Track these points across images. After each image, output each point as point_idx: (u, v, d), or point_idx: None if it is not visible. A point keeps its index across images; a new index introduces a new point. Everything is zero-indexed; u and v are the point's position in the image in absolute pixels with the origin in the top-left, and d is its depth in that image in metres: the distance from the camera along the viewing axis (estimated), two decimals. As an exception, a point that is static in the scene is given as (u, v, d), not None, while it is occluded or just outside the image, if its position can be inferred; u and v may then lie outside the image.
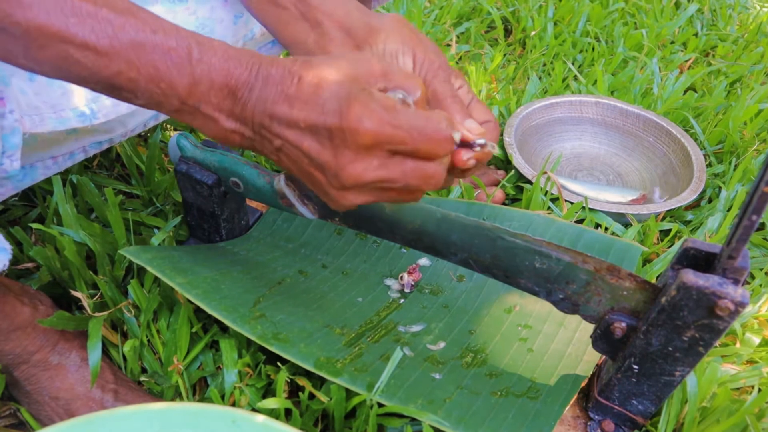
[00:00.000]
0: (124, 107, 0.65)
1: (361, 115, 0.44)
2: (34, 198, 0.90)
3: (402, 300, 0.76)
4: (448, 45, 1.39)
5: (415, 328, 0.71)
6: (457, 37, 1.44)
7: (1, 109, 0.57)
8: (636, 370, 0.59)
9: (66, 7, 0.42)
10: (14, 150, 0.59)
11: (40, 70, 0.45)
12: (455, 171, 0.53)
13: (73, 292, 0.71)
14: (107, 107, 0.63)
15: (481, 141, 0.50)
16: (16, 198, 0.90)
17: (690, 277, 0.52)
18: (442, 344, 0.70)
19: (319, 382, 0.68)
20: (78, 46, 0.43)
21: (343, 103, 0.45)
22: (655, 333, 0.56)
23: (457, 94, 0.58)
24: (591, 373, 0.67)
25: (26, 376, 0.67)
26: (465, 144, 0.50)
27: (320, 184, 0.49)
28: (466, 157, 0.51)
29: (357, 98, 0.45)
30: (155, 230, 0.83)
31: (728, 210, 0.96)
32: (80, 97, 0.62)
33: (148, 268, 0.66)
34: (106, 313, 0.70)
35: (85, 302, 0.70)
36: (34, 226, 0.71)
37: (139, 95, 0.46)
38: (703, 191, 1.04)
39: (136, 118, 0.72)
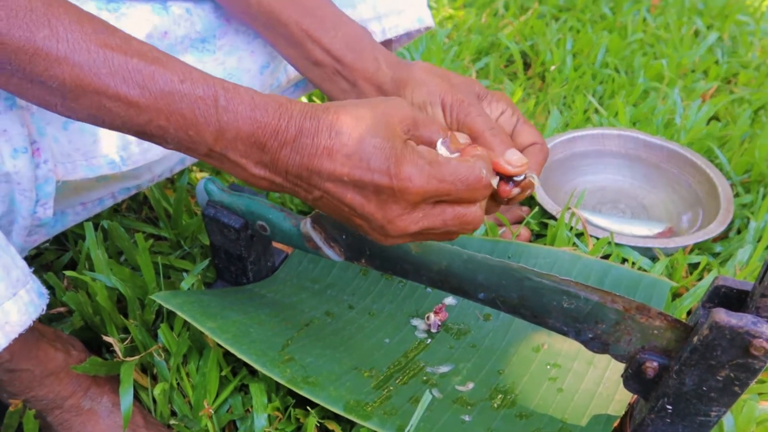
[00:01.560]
0: (153, 154, 0.67)
1: (410, 174, 0.46)
2: (65, 242, 0.91)
3: (429, 340, 0.76)
4: (468, 80, 1.40)
5: (443, 369, 0.71)
6: (477, 72, 1.45)
7: (36, 159, 0.59)
8: (670, 411, 0.58)
9: (98, 59, 0.44)
10: (47, 198, 0.62)
11: (77, 118, 0.46)
12: (501, 200, 0.56)
13: (105, 338, 0.72)
14: (136, 154, 0.65)
15: (519, 178, 0.52)
16: (47, 243, 0.92)
17: (722, 316, 0.51)
18: (470, 385, 0.69)
19: (349, 425, 0.67)
20: (110, 97, 0.45)
21: (392, 161, 0.46)
22: (689, 373, 0.55)
23: (495, 125, 0.59)
24: (623, 413, 0.66)
25: (59, 422, 0.67)
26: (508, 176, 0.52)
27: (362, 229, 0.51)
28: (509, 187, 0.54)
29: (404, 156, 0.47)
30: (184, 273, 0.84)
31: (758, 241, 0.95)
32: (110, 144, 0.63)
33: (179, 313, 0.67)
34: (137, 357, 0.70)
35: (117, 347, 0.71)
36: (68, 273, 0.72)
37: (170, 141, 0.47)
38: (732, 222, 1.03)
39: (163, 164, 0.74)
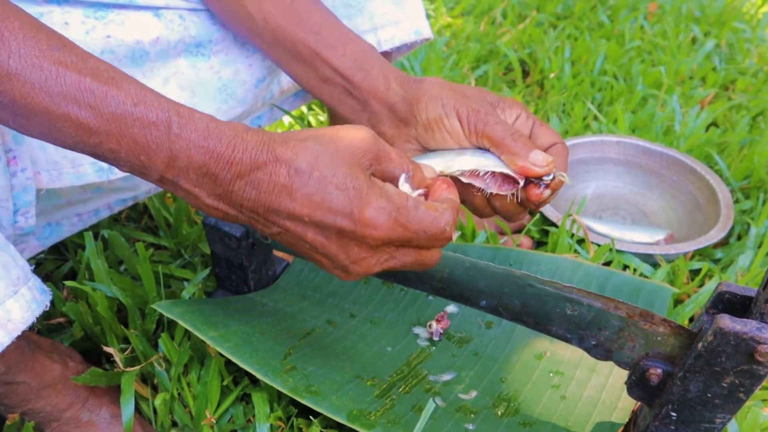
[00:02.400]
0: None
1: (374, 218, 0.45)
2: (65, 252, 0.91)
3: (431, 348, 0.75)
4: (467, 88, 1.40)
5: (446, 377, 0.71)
6: (476, 80, 1.45)
7: (13, 168, 0.57)
8: (674, 418, 0.58)
9: (50, 77, 0.42)
10: (27, 207, 0.60)
11: (30, 135, 0.45)
12: (530, 204, 0.56)
13: (106, 348, 0.71)
14: None
15: (548, 178, 0.52)
16: (43, 254, 0.91)
17: (726, 322, 0.51)
18: (473, 393, 0.69)
19: (351, 434, 0.67)
20: (59, 117, 0.43)
21: (355, 204, 0.45)
22: (693, 379, 0.55)
23: (514, 130, 0.58)
24: (627, 420, 0.65)
25: None
26: (534, 178, 0.52)
27: (323, 266, 0.50)
28: (539, 191, 0.54)
29: (368, 198, 0.45)
30: (185, 282, 0.84)
31: (759, 247, 0.95)
32: None
33: (180, 322, 0.66)
34: (137, 367, 0.70)
35: (117, 357, 0.71)
36: (68, 283, 0.72)
37: (122, 164, 0.46)
38: (732, 228, 1.03)
39: None
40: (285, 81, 0.82)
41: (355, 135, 0.48)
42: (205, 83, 0.70)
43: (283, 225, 0.47)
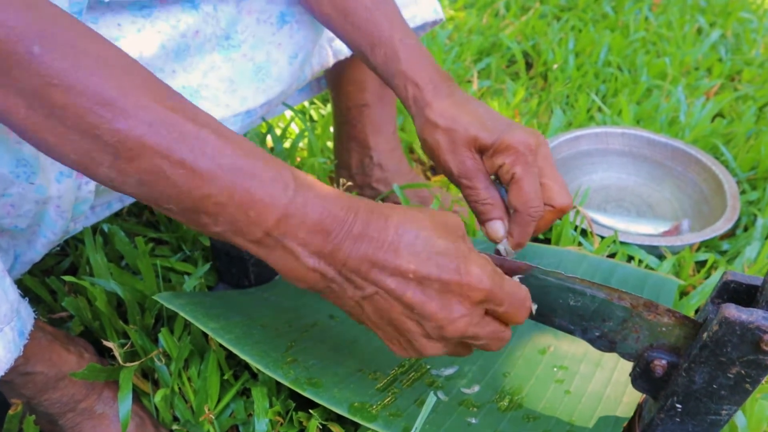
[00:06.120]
0: None
1: (479, 274, 0.47)
2: (66, 247, 0.91)
3: (434, 341, 0.75)
4: (469, 81, 1.40)
5: (449, 372, 0.70)
6: (478, 73, 1.44)
7: (78, 180, 0.59)
8: (680, 410, 0.57)
9: (168, 122, 0.41)
10: (80, 215, 0.63)
11: (119, 182, 0.42)
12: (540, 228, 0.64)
13: (105, 343, 0.71)
14: None
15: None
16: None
17: (732, 311, 0.50)
18: (476, 387, 0.68)
19: (353, 428, 0.66)
20: (173, 163, 0.41)
21: (461, 260, 0.47)
22: (698, 370, 0.54)
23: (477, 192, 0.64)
24: (632, 414, 0.64)
25: (71, 425, 0.67)
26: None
27: (409, 333, 0.49)
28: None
29: (471, 257, 0.48)
30: (185, 276, 0.83)
31: (766, 238, 0.94)
32: None
33: (181, 314, 0.66)
34: (137, 363, 0.69)
35: (116, 352, 0.70)
36: (67, 278, 0.72)
37: (220, 221, 0.44)
38: (738, 220, 1.02)
39: None
40: (315, 64, 0.83)
41: (448, 212, 0.51)
42: (242, 71, 0.71)
43: (384, 284, 0.47)
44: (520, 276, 0.57)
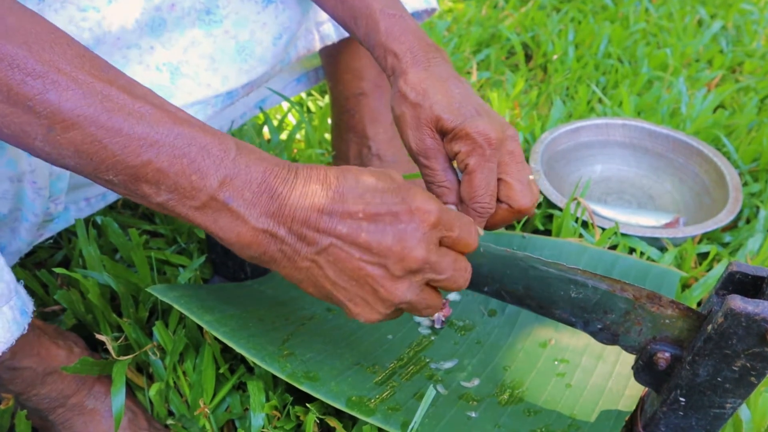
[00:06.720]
0: None
1: (425, 199, 0.48)
2: (59, 239, 0.90)
3: (433, 337, 0.74)
4: (469, 73, 1.38)
5: (448, 365, 0.69)
6: (478, 64, 1.43)
7: None
8: (683, 403, 0.56)
9: (104, 93, 0.41)
10: (60, 194, 0.61)
11: (55, 154, 0.42)
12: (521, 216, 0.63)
13: (98, 336, 0.70)
14: None
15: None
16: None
17: (738, 303, 0.49)
18: (476, 381, 0.67)
19: (351, 422, 0.65)
20: (110, 131, 0.41)
21: (404, 193, 0.48)
22: (702, 363, 0.53)
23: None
24: (634, 408, 0.63)
25: (61, 420, 0.66)
26: None
27: (372, 279, 0.48)
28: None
29: (415, 190, 0.48)
30: (180, 269, 0.82)
31: (768, 230, 0.93)
32: None
33: (176, 306, 0.65)
34: (130, 356, 0.68)
35: (110, 346, 0.69)
36: (58, 270, 0.70)
37: (163, 189, 0.43)
38: (741, 212, 1.01)
39: None
40: (301, 47, 0.82)
41: (392, 170, 0.51)
42: (224, 49, 0.70)
43: (336, 230, 0.46)
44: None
